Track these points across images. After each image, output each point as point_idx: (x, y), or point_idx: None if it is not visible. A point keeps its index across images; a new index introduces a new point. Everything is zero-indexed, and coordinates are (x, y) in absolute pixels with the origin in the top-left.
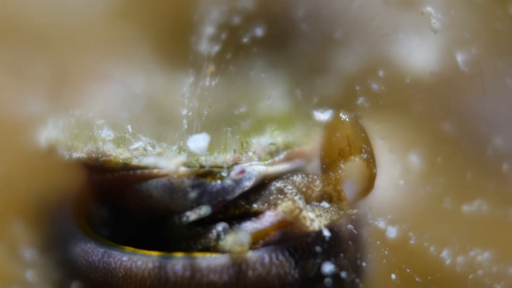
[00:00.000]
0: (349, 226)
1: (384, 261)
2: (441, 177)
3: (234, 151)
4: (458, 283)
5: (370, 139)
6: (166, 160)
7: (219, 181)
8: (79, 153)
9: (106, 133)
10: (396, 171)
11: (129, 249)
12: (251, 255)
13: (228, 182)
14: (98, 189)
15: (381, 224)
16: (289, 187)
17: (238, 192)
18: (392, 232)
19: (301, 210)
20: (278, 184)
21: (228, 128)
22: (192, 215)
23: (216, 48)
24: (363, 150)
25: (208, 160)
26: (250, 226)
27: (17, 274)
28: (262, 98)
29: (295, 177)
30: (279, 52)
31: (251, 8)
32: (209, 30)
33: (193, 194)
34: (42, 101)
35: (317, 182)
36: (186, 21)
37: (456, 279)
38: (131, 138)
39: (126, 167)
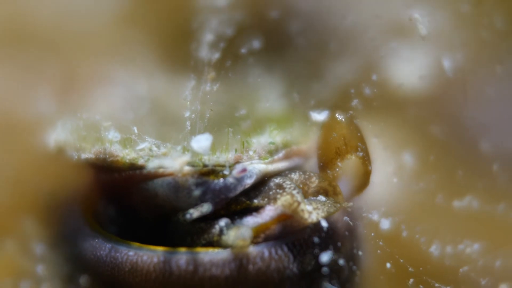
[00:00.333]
0: (345, 218)
1: (378, 251)
2: (433, 174)
3: (236, 151)
4: (447, 273)
5: (365, 138)
6: (171, 160)
7: (221, 179)
8: (87, 154)
9: (113, 135)
10: (389, 168)
11: (135, 244)
12: (252, 250)
13: (230, 180)
14: (106, 188)
15: (375, 216)
16: (288, 182)
17: (239, 189)
18: (385, 224)
19: (299, 203)
20: (277, 180)
21: (229, 129)
22: (195, 212)
23: (216, 56)
24: (359, 148)
25: (211, 160)
26: (251, 221)
27: (28, 268)
28: (261, 100)
29: (292, 175)
30: (277, 59)
31: (250, 18)
32: (208, 37)
33: (197, 192)
34: (51, 104)
35: (314, 179)
36: (186, 28)
37: (445, 269)
38: (137, 139)
39: (133, 167)
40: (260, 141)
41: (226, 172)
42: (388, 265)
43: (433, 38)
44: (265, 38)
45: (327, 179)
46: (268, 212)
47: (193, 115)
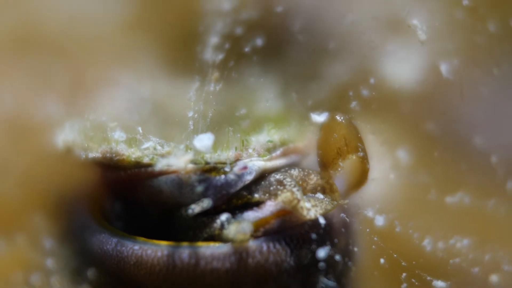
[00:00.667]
0: (342, 215)
1: (373, 246)
2: (426, 171)
3: (236, 149)
4: (439, 267)
5: (363, 136)
6: (175, 158)
7: (223, 176)
8: (95, 153)
9: (119, 135)
10: (385, 165)
11: (140, 239)
12: (251, 244)
13: (231, 176)
14: (112, 186)
15: (369, 213)
16: (288, 179)
17: (240, 185)
18: (379, 221)
19: (299, 200)
20: (278, 176)
21: (229, 128)
22: (196, 208)
23: (220, 57)
24: (359, 149)
25: (212, 157)
26: (252, 215)
27: (38, 261)
28: (260, 100)
29: (292, 171)
30: (277, 60)
31: (253, 20)
32: (213, 40)
33: (199, 188)
34: (60, 107)
35: (312, 176)
36: (192, 31)
37: (437, 263)
38: (142, 138)
39: (138, 165)
40: (259, 139)
41: (227, 169)
42: (382, 260)
43: (429, 41)
44: (267, 36)
45: (325, 177)
46: (269, 207)
47: (196, 115)
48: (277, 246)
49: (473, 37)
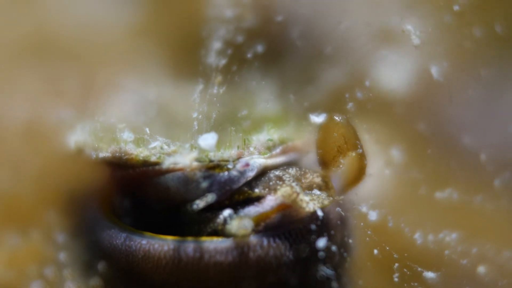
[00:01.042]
0: (338, 209)
1: (367, 239)
2: (418, 168)
3: (238, 147)
4: (429, 259)
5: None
6: (181, 156)
7: (226, 173)
8: (105, 153)
9: (127, 135)
10: (378, 163)
11: (148, 234)
12: (252, 239)
13: (234, 173)
14: (121, 183)
15: (363, 208)
16: (287, 175)
17: (242, 181)
18: (373, 216)
19: (298, 194)
20: (277, 172)
21: (232, 128)
22: (201, 203)
23: (223, 62)
24: (358, 146)
25: (216, 155)
26: (253, 210)
27: (51, 255)
28: (260, 102)
29: (290, 170)
30: (276, 65)
31: (254, 28)
32: (216, 45)
33: (204, 184)
34: (71, 109)
35: (308, 175)
36: (196, 37)
37: (428, 255)
38: (149, 138)
39: (146, 164)
40: (260, 138)
41: (230, 166)
42: (375, 251)
43: (421, 45)
44: (268, 43)
45: (321, 175)
46: (269, 202)
47: (200, 116)
48: (277, 240)
49: (461, 42)
